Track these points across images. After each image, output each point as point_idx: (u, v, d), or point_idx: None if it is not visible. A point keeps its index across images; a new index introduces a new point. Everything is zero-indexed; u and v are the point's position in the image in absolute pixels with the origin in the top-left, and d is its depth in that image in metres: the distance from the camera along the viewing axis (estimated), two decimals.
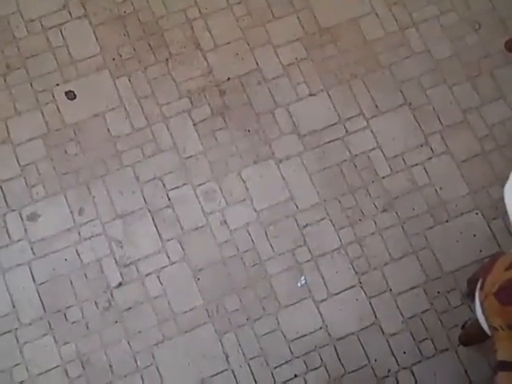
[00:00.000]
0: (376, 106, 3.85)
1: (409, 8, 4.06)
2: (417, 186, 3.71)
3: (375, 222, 3.65)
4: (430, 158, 3.76)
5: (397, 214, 3.66)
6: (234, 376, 3.42)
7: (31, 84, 3.86)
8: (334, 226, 3.64)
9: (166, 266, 3.57)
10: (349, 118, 3.83)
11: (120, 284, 3.54)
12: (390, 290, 3.53)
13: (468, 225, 3.64)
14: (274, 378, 3.42)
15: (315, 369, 3.42)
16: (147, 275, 3.55)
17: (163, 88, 3.87)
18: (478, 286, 2.51)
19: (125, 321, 3.49)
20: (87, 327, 3.47)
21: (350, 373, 3.42)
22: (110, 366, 3.43)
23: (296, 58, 3.95)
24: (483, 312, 2.40)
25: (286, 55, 3.96)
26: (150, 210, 3.66)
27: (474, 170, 3.74)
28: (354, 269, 3.57)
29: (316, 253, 3.59)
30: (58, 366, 3.42)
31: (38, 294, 3.51)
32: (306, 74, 3.92)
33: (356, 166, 3.74)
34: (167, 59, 3.92)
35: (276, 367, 3.43)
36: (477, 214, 3.66)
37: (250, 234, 3.63)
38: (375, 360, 3.43)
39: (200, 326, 3.48)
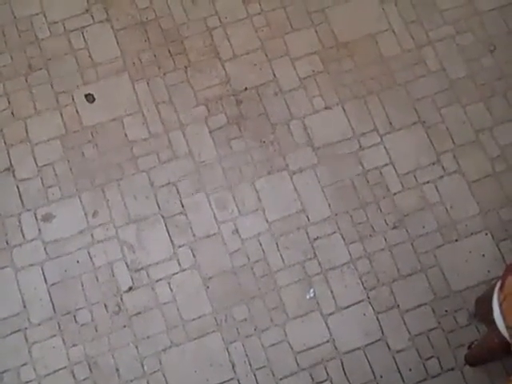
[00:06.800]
0: (390, 123, 3.88)
1: (426, 27, 4.08)
2: (427, 203, 3.73)
3: (385, 239, 3.66)
4: (442, 177, 3.78)
5: (407, 231, 3.68)
6: None
7: (52, 85, 3.89)
8: (344, 240, 3.66)
9: (177, 273, 3.59)
10: (363, 133, 3.85)
11: (130, 288, 3.56)
12: (398, 306, 3.55)
13: (477, 245, 3.66)
14: None
15: (321, 382, 3.43)
16: (158, 281, 3.57)
17: (181, 95, 3.89)
18: (497, 286, 2.53)
19: (133, 325, 3.50)
20: (96, 330, 3.49)
21: None
22: (117, 369, 3.44)
23: (313, 71, 3.98)
24: (501, 313, 2.42)
25: (303, 68, 3.98)
26: (163, 216, 3.68)
27: (485, 191, 3.76)
28: (362, 284, 3.59)
29: (326, 266, 3.61)
30: (65, 368, 3.44)
31: (49, 295, 3.53)
32: (322, 87, 3.94)
33: (368, 181, 3.77)
34: (186, 67, 3.95)
35: (282, 378, 3.44)
36: (486, 234, 3.68)
37: (261, 245, 3.65)
38: (381, 376, 3.45)
39: (208, 334, 3.50)
